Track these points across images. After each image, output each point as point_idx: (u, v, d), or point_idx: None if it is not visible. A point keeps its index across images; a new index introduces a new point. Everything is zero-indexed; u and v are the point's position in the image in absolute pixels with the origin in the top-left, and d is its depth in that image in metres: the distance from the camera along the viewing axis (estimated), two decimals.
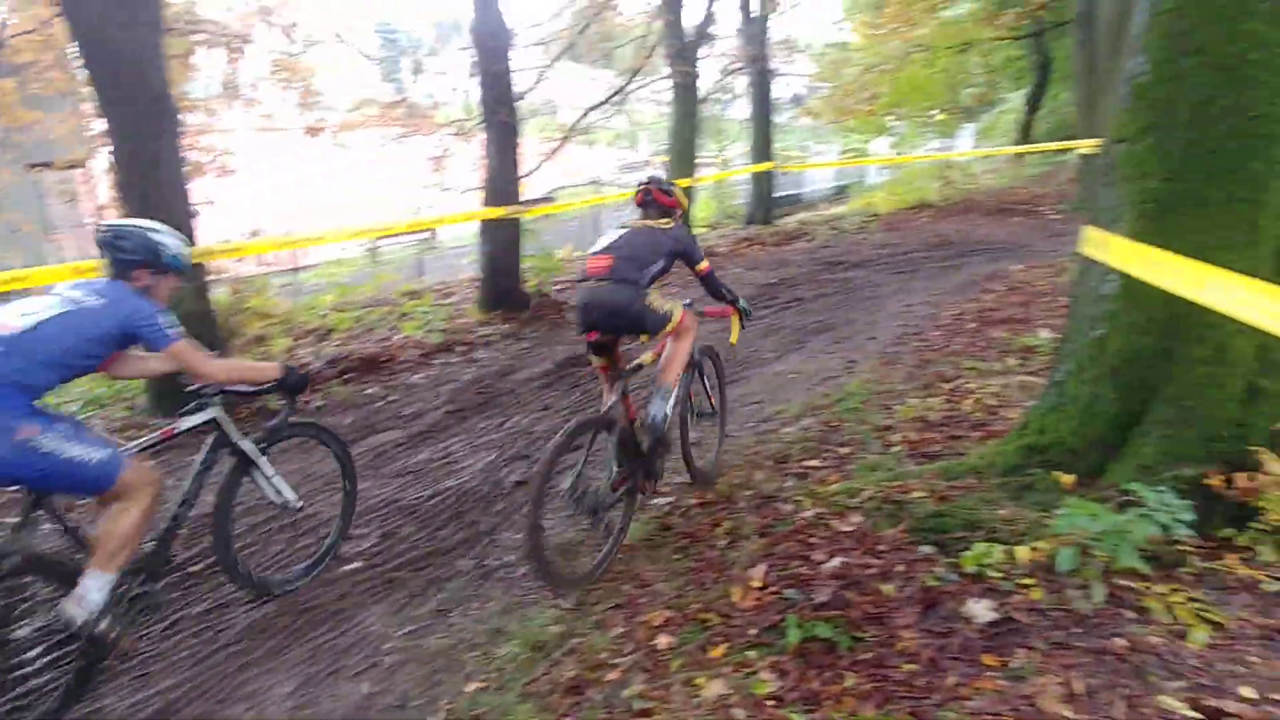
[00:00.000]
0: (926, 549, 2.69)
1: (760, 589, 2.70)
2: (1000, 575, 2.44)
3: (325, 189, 18.56)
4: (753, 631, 2.50)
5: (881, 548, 2.77)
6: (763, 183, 13.01)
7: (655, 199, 3.55)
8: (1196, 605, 2.21)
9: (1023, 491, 2.80)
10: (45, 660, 2.62)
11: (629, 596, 2.98)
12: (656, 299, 3.27)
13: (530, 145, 9.60)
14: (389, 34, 20.42)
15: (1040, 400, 3.11)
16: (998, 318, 6.26)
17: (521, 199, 8.04)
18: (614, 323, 3.25)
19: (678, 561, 3.17)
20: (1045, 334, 5.35)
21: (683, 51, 9.94)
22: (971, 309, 6.81)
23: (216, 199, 8.09)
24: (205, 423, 2.90)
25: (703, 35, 10.85)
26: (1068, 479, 2.65)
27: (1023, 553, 2.37)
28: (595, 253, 3.31)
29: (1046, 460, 2.84)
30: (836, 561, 2.74)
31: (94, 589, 2.44)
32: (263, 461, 3.06)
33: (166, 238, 2.70)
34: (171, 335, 2.53)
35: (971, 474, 3.06)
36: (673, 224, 3.50)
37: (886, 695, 2.12)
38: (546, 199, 16.93)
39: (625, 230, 3.41)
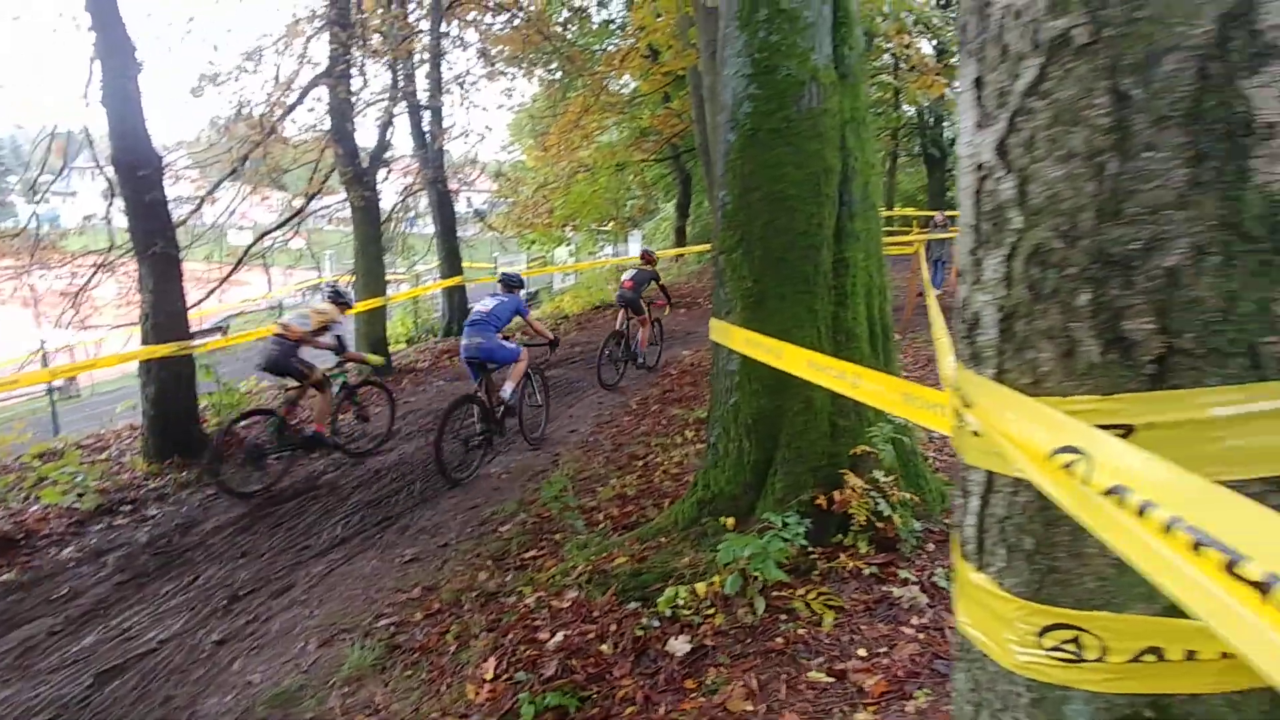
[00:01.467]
0: (633, 605, 3.09)
1: (492, 680, 2.86)
2: (690, 611, 2.92)
3: None
4: None
5: (596, 614, 3.10)
6: (455, 296, 13.42)
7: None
8: (825, 597, 2.87)
9: (700, 539, 3.37)
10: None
11: None
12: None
13: (198, 272, 8.86)
14: None
15: (704, 461, 3.78)
16: (674, 398, 7.25)
17: (191, 332, 7.36)
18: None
19: (409, 678, 3.17)
20: None
21: (359, 175, 10.08)
22: (654, 393, 7.78)
23: None
24: None
25: (378, 160, 11.13)
26: (730, 521, 3.28)
27: (701, 588, 2.87)
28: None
29: (714, 509, 3.46)
30: (560, 636, 3.01)
31: (509, 390, 6.10)
32: None
33: None
34: None
35: (661, 534, 3.58)
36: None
37: None
38: (219, 329, 15.43)
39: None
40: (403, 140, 14.91)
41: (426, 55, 12.64)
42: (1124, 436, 0.84)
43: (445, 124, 13.08)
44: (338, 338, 6.43)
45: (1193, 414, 0.82)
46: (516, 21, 14.40)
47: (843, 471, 3.20)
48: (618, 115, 18.35)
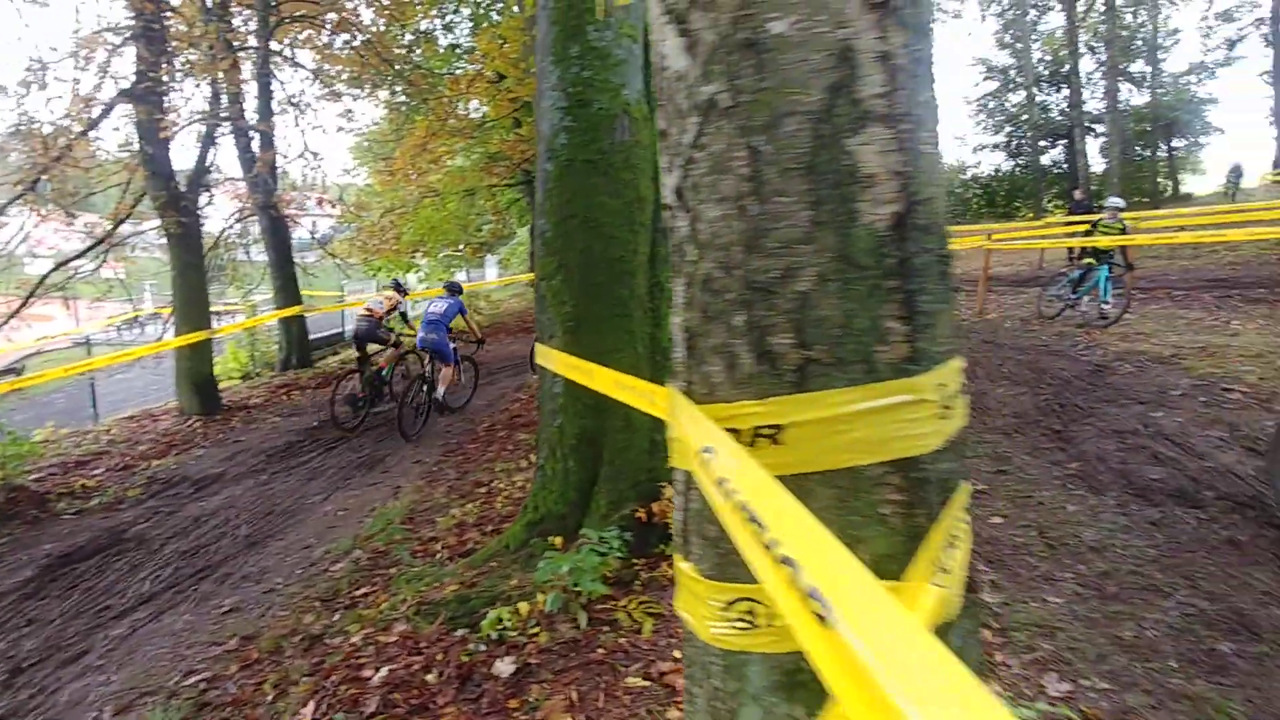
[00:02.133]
0: (461, 631, 3.08)
1: None
2: (516, 632, 2.95)
3: None
4: None
5: (424, 645, 3.06)
6: (294, 327, 12.69)
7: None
8: (645, 605, 3.01)
9: (529, 560, 3.41)
10: None
11: None
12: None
13: None
14: None
15: (534, 483, 3.83)
16: (521, 423, 7.25)
17: None
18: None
19: None
20: None
21: (174, 200, 9.32)
22: (503, 419, 7.73)
23: None
24: None
25: (199, 183, 10.36)
26: (558, 540, 3.35)
27: (524, 608, 2.92)
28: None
29: (543, 530, 3.52)
30: (384, 671, 2.94)
31: (441, 392, 7.84)
32: None
33: None
34: None
35: (493, 558, 3.59)
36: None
37: None
38: (13, 370, 13.63)
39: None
40: (235, 163, 13.91)
41: (254, 74, 11.98)
42: (775, 434, 1.00)
43: (279, 146, 12.42)
44: (402, 314, 8.73)
45: (827, 412, 0.99)
46: (356, 42, 13.97)
47: (661, 485, 3.36)
48: (466, 140, 18.15)
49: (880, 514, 1.02)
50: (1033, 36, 28.15)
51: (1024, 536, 3.82)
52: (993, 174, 29.86)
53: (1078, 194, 17.28)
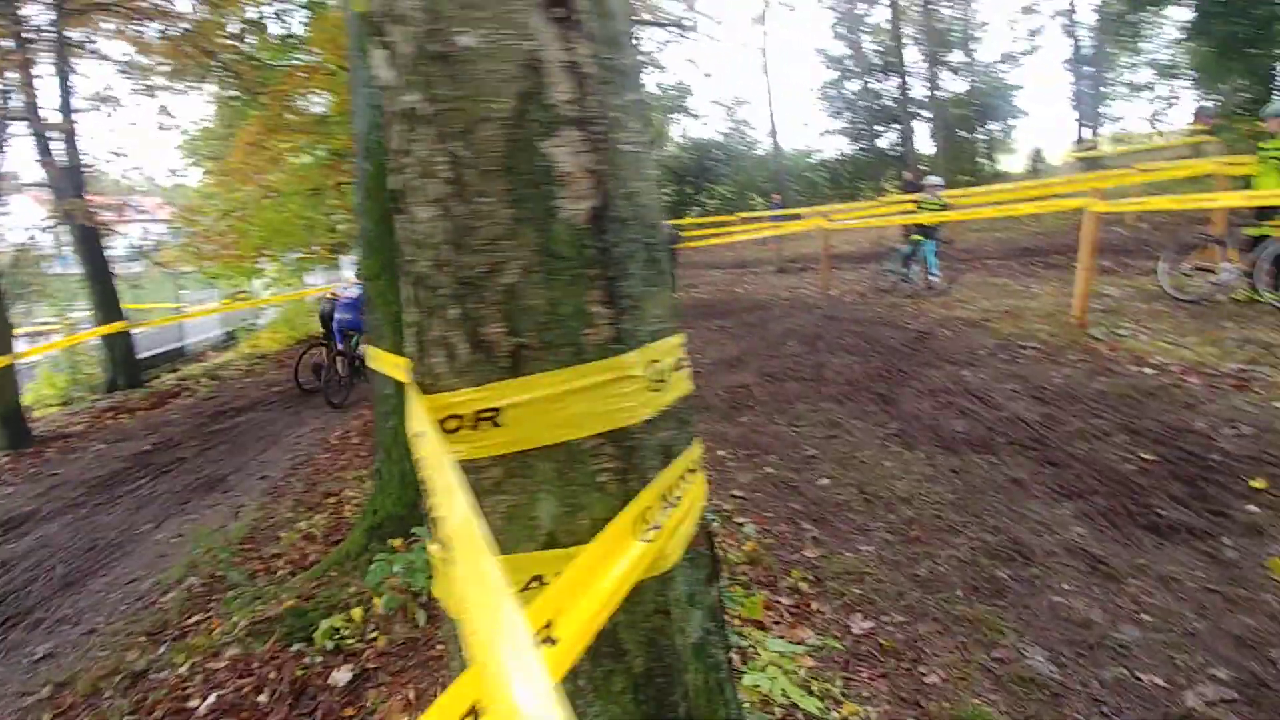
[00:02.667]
0: (297, 646, 3.00)
1: None
2: (354, 639, 2.91)
3: None
4: None
5: (255, 665, 2.96)
6: (118, 344, 11.61)
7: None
8: None
9: (369, 565, 3.36)
10: None
11: None
12: None
13: None
14: None
15: (373, 487, 3.77)
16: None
17: None
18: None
19: None
20: None
21: None
22: (356, 425, 7.47)
23: None
24: None
25: None
26: (398, 543, 3.31)
27: (358, 614, 2.88)
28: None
29: (384, 533, 3.47)
30: (212, 699, 2.82)
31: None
32: None
33: None
34: None
35: (334, 567, 3.51)
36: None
37: None
38: None
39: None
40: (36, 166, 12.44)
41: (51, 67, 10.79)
42: (495, 416, 1.08)
43: (85, 146, 11.26)
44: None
45: (540, 393, 1.08)
46: (171, 32, 12.86)
47: None
48: (308, 136, 17.17)
49: (598, 481, 1.12)
50: (863, 28, 30.04)
51: (845, 494, 4.17)
52: (837, 157, 31.70)
53: (908, 175, 18.70)
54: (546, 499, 1.11)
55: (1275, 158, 6.69)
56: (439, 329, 1.10)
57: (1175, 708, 2.37)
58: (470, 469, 1.10)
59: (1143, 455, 4.20)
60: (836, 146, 32.76)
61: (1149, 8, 19.34)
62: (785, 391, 6.40)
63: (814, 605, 3.07)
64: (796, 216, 18.07)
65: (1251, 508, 3.52)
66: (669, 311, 1.26)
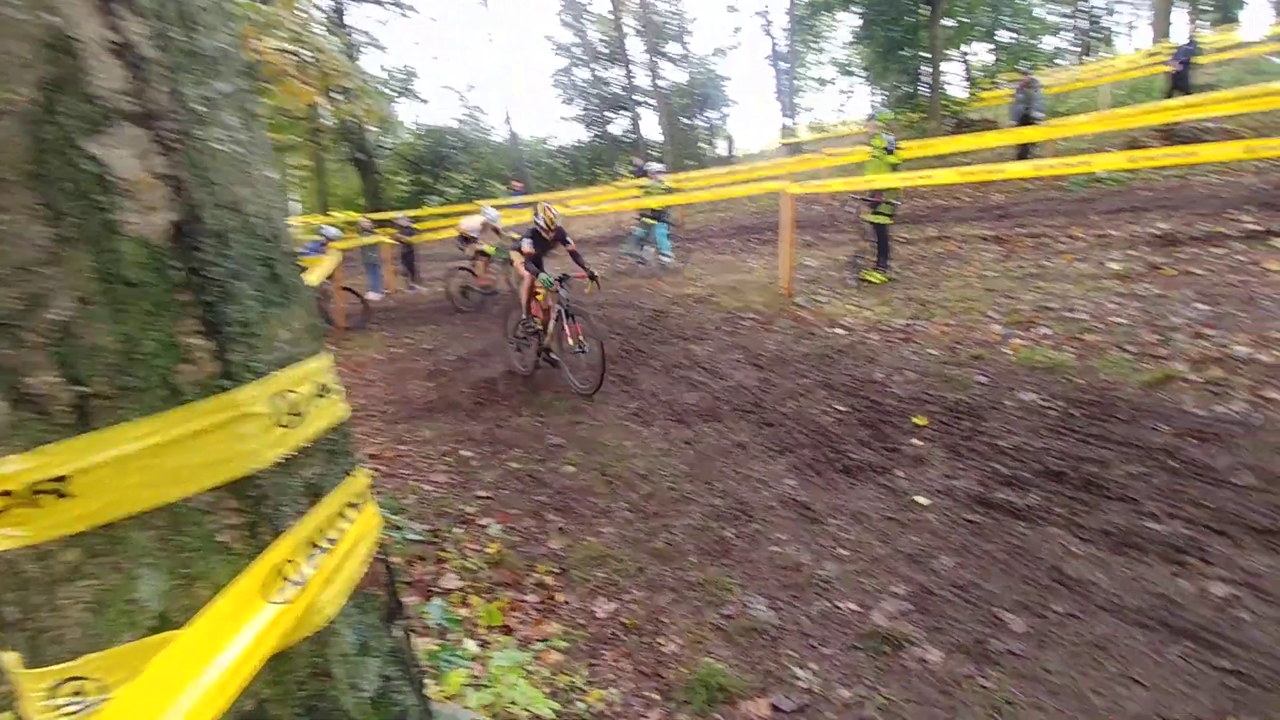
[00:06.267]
0: None
1: None
2: None
3: None
4: None
5: None
6: None
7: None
8: None
9: None
10: None
11: None
12: None
13: None
14: None
15: None
16: None
17: None
18: None
19: None
20: None
21: None
22: None
23: None
24: None
25: None
26: None
27: None
28: None
29: None
30: None
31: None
32: None
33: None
34: None
35: None
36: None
37: None
38: None
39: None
40: None
41: None
42: (61, 486, 0.87)
43: None
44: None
45: (125, 448, 0.88)
46: None
47: None
48: None
49: (218, 542, 0.96)
50: (586, 16, 30.88)
51: (589, 479, 4.24)
52: (575, 144, 32.37)
53: (636, 160, 19.63)
54: (150, 575, 0.92)
55: (877, 155, 8.08)
56: None
57: (866, 627, 2.73)
58: (30, 558, 0.87)
59: (837, 407, 4.81)
60: (573, 134, 33.49)
61: (823, 13, 22.16)
62: (531, 381, 6.39)
63: (559, 597, 3.07)
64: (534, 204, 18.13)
65: (915, 441, 4.18)
66: (306, 333, 1.11)
